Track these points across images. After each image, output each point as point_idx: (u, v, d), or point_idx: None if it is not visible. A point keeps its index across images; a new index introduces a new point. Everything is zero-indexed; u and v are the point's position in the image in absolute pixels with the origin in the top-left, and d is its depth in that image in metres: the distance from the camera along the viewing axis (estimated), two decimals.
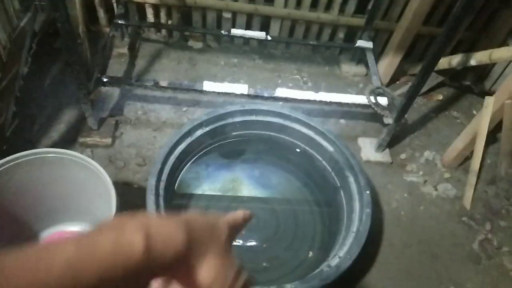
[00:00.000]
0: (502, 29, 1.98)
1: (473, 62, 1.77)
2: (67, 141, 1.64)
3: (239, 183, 1.57)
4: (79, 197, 1.29)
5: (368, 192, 1.33)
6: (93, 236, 0.35)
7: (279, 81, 2.06)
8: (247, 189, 1.56)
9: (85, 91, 1.49)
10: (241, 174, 1.59)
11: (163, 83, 1.60)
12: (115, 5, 1.94)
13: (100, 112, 1.72)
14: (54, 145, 1.61)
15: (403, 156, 1.86)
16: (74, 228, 1.35)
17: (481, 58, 1.74)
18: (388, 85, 2.11)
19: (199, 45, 2.12)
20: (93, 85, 1.55)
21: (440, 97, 2.16)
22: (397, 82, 2.16)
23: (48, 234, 1.34)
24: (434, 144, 1.93)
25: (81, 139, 1.63)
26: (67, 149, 1.16)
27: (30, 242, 0.34)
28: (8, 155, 1.13)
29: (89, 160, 1.14)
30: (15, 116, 1.63)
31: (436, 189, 1.77)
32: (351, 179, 1.40)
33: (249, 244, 1.40)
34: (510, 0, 1.91)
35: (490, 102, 1.66)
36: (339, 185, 1.47)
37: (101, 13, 1.99)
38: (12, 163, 1.12)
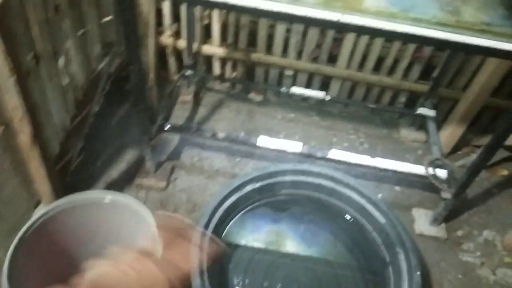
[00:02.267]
0: None
1: None
2: (125, 180, 1.72)
3: (283, 238, 1.55)
4: (128, 239, 1.33)
5: (418, 273, 1.26)
6: None
7: (334, 140, 2.05)
8: (291, 247, 1.54)
9: (148, 136, 1.58)
10: (287, 232, 1.57)
11: (221, 135, 1.65)
12: (184, 55, 2.07)
13: (159, 156, 1.79)
14: (113, 183, 1.70)
15: (459, 233, 1.74)
16: None
17: None
18: (449, 154, 2.02)
19: (259, 98, 2.18)
20: (155, 130, 1.63)
21: (505, 172, 2.03)
22: (459, 152, 2.07)
23: None
24: (495, 223, 1.80)
25: (137, 180, 1.70)
26: (124, 188, 1.23)
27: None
28: (70, 187, 1.22)
29: (141, 208, 1.19)
30: (82, 151, 1.75)
31: (494, 274, 1.63)
32: (402, 256, 1.33)
33: None
34: None
35: None
36: (388, 260, 1.40)
37: (171, 61, 2.12)
38: (71, 205, 1.19)
